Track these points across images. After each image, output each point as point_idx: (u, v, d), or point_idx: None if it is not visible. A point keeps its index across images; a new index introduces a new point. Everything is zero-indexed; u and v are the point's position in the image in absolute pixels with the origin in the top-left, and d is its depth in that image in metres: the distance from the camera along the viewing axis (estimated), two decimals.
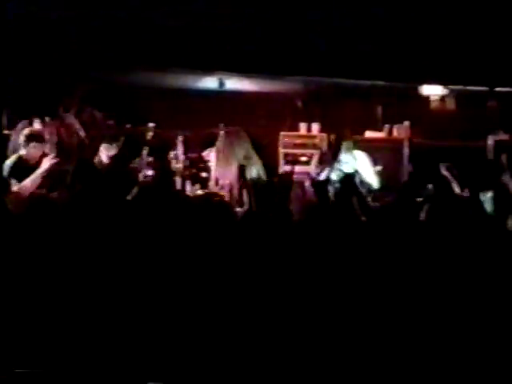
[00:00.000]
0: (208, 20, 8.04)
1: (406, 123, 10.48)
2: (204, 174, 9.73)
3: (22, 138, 7.64)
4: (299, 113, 10.85)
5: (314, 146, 10.73)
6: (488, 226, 5.31)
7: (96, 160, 8.54)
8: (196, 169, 9.79)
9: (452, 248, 4.69)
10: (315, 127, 10.80)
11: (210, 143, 9.93)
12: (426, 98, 10.28)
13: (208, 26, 8.15)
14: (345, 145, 9.12)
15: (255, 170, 9.57)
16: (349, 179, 8.36)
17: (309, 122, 10.79)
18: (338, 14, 7.95)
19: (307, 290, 4.41)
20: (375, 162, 9.34)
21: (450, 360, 4.11)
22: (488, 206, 7.00)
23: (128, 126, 9.84)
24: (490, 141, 9.93)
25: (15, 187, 7.09)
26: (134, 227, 4.94)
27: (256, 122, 10.80)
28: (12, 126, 9.34)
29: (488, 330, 4.16)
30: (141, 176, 9.22)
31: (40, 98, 9.89)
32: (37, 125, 9.03)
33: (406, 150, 10.31)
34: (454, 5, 7.75)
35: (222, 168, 9.53)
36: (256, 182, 9.27)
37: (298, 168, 10.60)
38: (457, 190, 7.63)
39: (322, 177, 8.85)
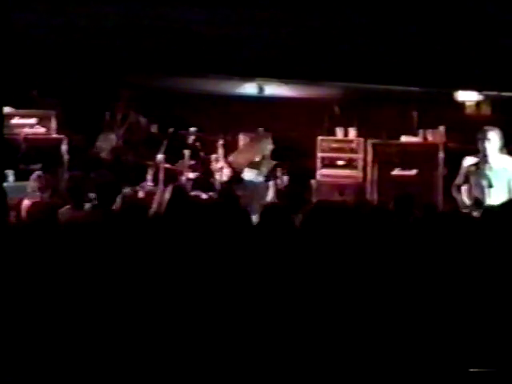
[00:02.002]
0: (247, 28, 8.11)
1: (442, 128, 10.55)
2: None
3: None
4: (336, 117, 10.99)
5: (351, 151, 10.91)
6: None
7: None
8: None
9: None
10: (352, 132, 10.95)
11: None
12: (461, 104, 10.34)
13: (247, 33, 8.23)
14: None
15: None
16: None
17: (346, 126, 10.90)
18: (375, 21, 7.98)
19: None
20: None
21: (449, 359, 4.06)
22: None
23: (171, 130, 10.04)
24: None
25: None
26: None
27: (294, 127, 10.97)
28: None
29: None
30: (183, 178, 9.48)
31: (87, 105, 10.16)
32: None
33: (441, 155, 10.38)
34: (488, 12, 7.73)
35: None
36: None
37: (335, 171, 10.81)
38: None
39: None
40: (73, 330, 4.24)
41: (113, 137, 9.34)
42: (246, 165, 9.44)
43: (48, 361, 4.12)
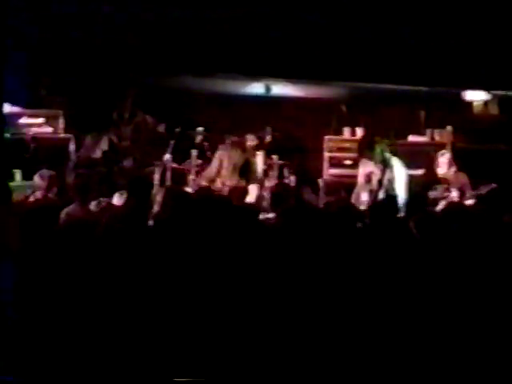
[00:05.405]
0: (255, 27, 8.14)
1: (449, 128, 10.53)
2: None
3: None
4: (343, 117, 11.00)
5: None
6: None
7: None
8: None
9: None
10: (359, 131, 10.94)
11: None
12: (469, 103, 10.33)
13: (255, 33, 8.26)
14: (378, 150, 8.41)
15: None
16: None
17: (353, 126, 10.88)
18: (382, 22, 8.00)
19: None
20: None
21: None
22: None
23: (178, 129, 10.05)
24: None
25: None
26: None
27: (301, 126, 10.98)
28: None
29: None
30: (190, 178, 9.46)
31: (94, 104, 10.19)
32: None
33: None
34: (496, 12, 7.75)
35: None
36: None
37: (342, 171, 10.80)
38: None
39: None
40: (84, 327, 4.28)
41: (105, 140, 9.30)
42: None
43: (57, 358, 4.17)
